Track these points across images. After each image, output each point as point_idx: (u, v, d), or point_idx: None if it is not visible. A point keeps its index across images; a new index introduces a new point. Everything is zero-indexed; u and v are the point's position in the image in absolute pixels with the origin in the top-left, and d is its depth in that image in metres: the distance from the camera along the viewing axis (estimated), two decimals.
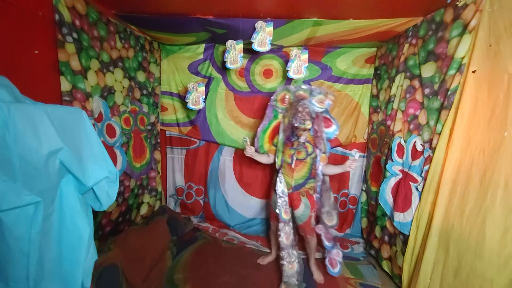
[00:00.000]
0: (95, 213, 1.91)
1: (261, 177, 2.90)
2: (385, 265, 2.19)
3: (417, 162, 1.84)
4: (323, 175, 2.09)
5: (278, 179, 1.99)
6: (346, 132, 2.73)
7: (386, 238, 2.17)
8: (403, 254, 1.88)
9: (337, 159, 2.84)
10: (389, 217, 2.11)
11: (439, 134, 1.64)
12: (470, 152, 1.42)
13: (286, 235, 1.94)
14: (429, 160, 1.72)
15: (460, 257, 1.42)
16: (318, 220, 2.08)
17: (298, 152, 1.96)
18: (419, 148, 1.83)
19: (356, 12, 1.82)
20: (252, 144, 2.14)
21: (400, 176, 2.01)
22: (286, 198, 1.96)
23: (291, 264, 1.92)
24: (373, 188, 2.46)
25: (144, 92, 2.50)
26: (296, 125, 1.90)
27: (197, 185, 3.04)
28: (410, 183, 1.89)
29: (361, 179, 2.81)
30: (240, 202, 2.95)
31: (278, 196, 1.96)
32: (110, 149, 1.99)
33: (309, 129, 1.96)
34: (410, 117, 1.95)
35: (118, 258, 1.76)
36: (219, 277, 2.07)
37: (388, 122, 2.21)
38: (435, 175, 1.65)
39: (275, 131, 2.12)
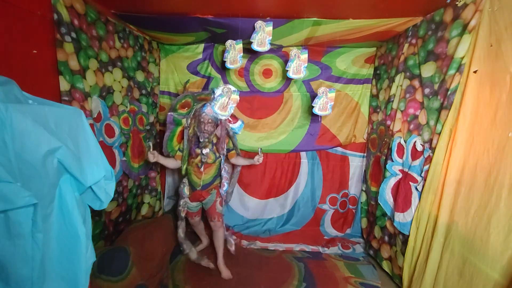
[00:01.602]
0: (99, 213, 1.91)
1: (260, 178, 2.89)
2: (385, 265, 2.19)
3: (417, 162, 1.84)
4: (235, 165, 2.43)
5: (182, 182, 2.16)
6: (345, 132, 2.73)
7: (386, 238, 2.17)
8: (403, 254, 1.88)
9: (337, 159, 2.85)
10: (389, 217, 2.11)
11: (439, 134, 1.64)
12: (474, 153, 1.42)
13: (182, 229, 2.19)
14: (429, 160, 1.71)
15: (464, 257, 1.42)
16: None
17: (208, 157, 2.04)
18: (419, 148, 1.82)
19: (356, 12, 1.82)
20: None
21: (400, 176, 2.01)
22: (187, 199, 2.15)
23: (192, 253, 2.18)
24: (373, 188, 2.46)
25: (143, 92, 2.49)
26: (200, 140, 2.00)
27: None
28: (410, 183, 1.88)
29: (361, 179, 2.80)
30: (239, 203, 2.94)
31: (181, 196, 2.15)
32: (109, 149, 1.98)
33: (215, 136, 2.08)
34: (410, 117, 1.95)
35: (128, 243, 1.83)
36: (219, 277, 2.06)
37: (388, 122, 2.21)
38: (435, 175, 1.65)
39: (181, 136, 2.11)
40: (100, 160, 0.99)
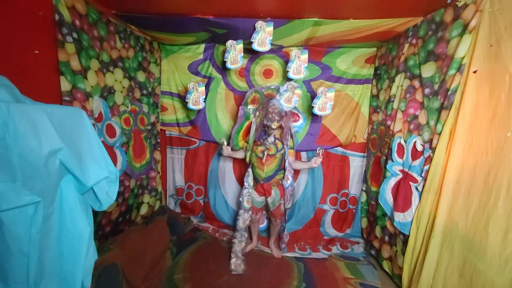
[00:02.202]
0: (95, 213, 1.91)
1: None
2: (385, 265, 2.19)
3: (417, 162, 1.84)
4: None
5: (246, 173, 2.31)
6: (346, 132, 2.73)
7: (386, 238, 2.17)
8: (403, 254, 1.88)
9: (337, 159, 2.85)
10: (389, 217, 2.11)
11: (439, 134, 1.64)
12: (473, 153, 1.42)
13: (243, 220, 2.26)
14: (429, 160, 1.72)
15: (464, 257, 1.43)
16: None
17: (268, 149, 2.17)
18: (419, 148, 1.83)
19: (356, 12, 1.82)
20: (228, 144, 2.33)
21: (400, 176, 2.01)
22: (250, 190, 2.29)
23: (240, 243, 2.27)
24: (373, 188, 2.46)
25: (144, 92, 2.50)
26: (267, 123, 2.15)
27: (197, 185, 3.04)
28: (410, 183, 1.89)
29: (361, 179, 2.81)
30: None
31: (244, 186, 2.29)
32: (110, 149, 1.99)
33: (278, 128, 2.19)
34: (410, 117, 1.95)
35: (118, 257, 1.76)
36: (219, 277, 2.07)
37: (388, 122, 2.21)
38: (435, 175, 1.65)
39: (248, 130, 2.29)
40: (103, 161, 0.99)
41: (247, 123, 2.29)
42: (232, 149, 2.31)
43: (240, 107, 2.33)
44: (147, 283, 1.89)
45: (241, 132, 2.31)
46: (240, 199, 2.28)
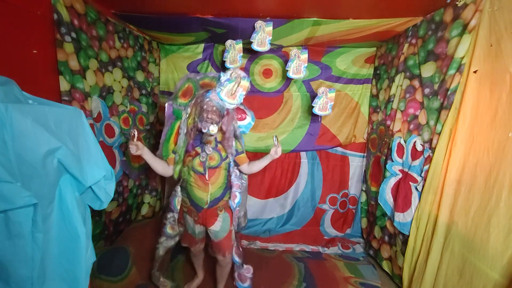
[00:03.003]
0: (99, 213, 1.91)
1: (260, 178, 2.89)
2: (385, 265, 2.19)
3: (417, 162, 1.84)
4: (246, 174, 1.82)
5: (173, 193, 1.72)
6: (345, 132, 2.73)
7: (386, 238, 2.17)
8: (403, 254, 1.88)
9: (337, 159, 2.85)
10: (389, 217, 2.11)
11: (439, 134, 1.64)
12: (474, 153, 1.42)
13: (164, 248, 1.74)
14: (429, 160, 1.71)
15: (465, 257, 1.42)
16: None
17: (210, 158, 1.59)
18: (419, 148, 1.82)
19: (356, 12, 1.82)
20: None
21: (400, 176, 2.01)
22: (175, 215, 1.72)
23: (164, 284, 1.81)
24: (373, 188, 2.46)
25: (143, 92, 2.49)
26: (203, 131, 1.55)
27: None
28: (410, 183, 1.88)
29: (361, 179, 2.80)
30: None
31: (169, 209, 1.73)
32: (109, 149, 1.98)
33: (216, 133, 1.60)
34: (410, 117, 1.95)
35: (128, 243, 1.77)
36: None
37: (388, 122, 2.21)
38: (435, 175, 1.65)
39: (178, 133, 1.68)
40: (100, 160, 0.99)
41: (177, 124, 1.67)
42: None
43: (167, 104, 1.68)
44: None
45: (171, 138, 1.67)
46: (165, 222, 1.73)
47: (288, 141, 2.74)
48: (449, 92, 1.59)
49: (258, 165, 1.72)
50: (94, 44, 1.82)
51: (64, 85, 1.58)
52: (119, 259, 1.70)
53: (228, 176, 1.70)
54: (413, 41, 1.94)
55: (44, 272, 0.82)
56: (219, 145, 1.64)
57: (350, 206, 2.89)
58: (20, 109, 0.74)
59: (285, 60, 2.54)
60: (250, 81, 1.66)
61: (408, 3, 1.68)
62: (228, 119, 1.63)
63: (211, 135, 1.57)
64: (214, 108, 1.56)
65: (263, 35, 2.02)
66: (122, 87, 2.16)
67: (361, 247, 2.61)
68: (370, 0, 1.64)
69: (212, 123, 1.53)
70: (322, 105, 2.23)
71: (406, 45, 2.01)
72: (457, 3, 1.57)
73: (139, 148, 1.45)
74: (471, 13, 1.48)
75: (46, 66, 1.51)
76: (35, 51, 1.43)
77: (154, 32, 2.35)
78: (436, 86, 1.72)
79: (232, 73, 1.59)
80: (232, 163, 1.69)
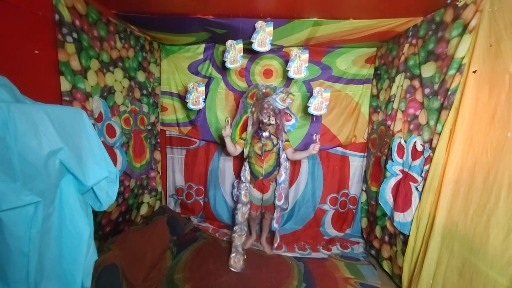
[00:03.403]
0: (95, 213, 1.91)
1: None
2: (385, 265, 2.19)
3: (417, 162, 1.84)
4: (291, 160, 2.38)
5: (243, 167, 2.35)
6: (346, 132, 2.73)
7: (386, 238, 2.17)
8: (403, 254, 1.88)
9: (338, 159, 2.85)
10: (389, 217, 2.11)
11: (439, 134, 1.64)
12: (473, 153, 1.42)
13: (242, 214, 2.30)
14: (429, 160, 1.72)
15: (464, 257, 1.42)
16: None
17: (265, 144, 2.25)
18: (419, 148, 1.83)
19: (356, 12, 1.82)
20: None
21: (400, 176, 2.01)
22: (247, 184, 2.33)
23: (240, 237, 2.31)
24: (373, 188, 2.46)
25: (144, 92, 2.50)
26: (262, 119, 2.21)
27: (197, 185, 3.04)
28: (410, 183, 1.89)
29: (361, 179, 2.81)
30: None
31: (241, 181, 2.35)
32: (110, 149, 1.99)
33: (273, 124, 2.26)
34: (410, 117, 1.95)
35: (117, 257, 1.76)
36: (219, 277, 2.07)
37: (388, 122, 2.21)
38: (435, 175, 1.65)
39: (245, 126, 2.32)
40: (103, 160, 0.99)
41: (245, 117, 2.32)
42: None
43: (240, 100, 2.37)
44: (147, 283, 1.89)
45: (239, 125, 2.33)
46: (238, 193, 2.33)
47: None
48: (449, 92, 1.59)
49: (300, 155, 2.25)
50: (95, 45, 1.83)
51: (65, 85, 1.59)
52: (111, 277, 1.65)
53: (278, 158, 2.32)
54: (414, 41, 1.95)
55: (42, 272, 0.82)
56: (272, 136, 2.28)
57: (350, 206, 2.89)
58: (22, 110, 0.75)
59: (286, 60, 2.55)
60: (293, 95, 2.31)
61: (408, 4, 1.69)
62: (280, 116, 2.28)
63: (269, 124, 2.23)
64: (271, 107, 2.21)
65: (263, 35, 2.03)
66: (123, 87, 2.17)
67: (361, 247, 2.61)
68: (371, 0, 1.65)
69: (269, 116, 2.20)
70: (317, 105, 2.23)
71: (407, 45, 2.01)
72: (457, 3, 1.58)
73: (229, 133, 2.15)
74: (471, 13, 1.48)
75: (48, 67, 1.52)
76: (36, 52, 1.44)
77: (155, 32, 2.36)
78: (436, 86, 1.72)
79: (284, 89, 2.27)
80: (281, 148, 2.29)
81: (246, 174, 2.33)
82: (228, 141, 2.19)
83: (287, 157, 2.32)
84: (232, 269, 2.17)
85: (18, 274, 0.77)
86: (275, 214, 2.38)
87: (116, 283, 1.66)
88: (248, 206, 2.34)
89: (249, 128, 2.26)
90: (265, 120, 2.20)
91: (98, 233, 1.97)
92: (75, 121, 0.93)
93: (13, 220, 0.73)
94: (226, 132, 2.13)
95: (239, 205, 2.32)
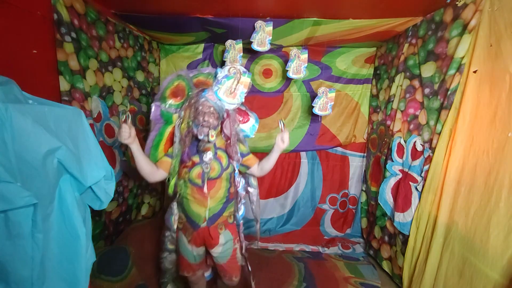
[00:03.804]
0: (99, 213, 1.90)
1: (260, 178, 2.88)
2: (385, 265, 2.19)
3: (417, 162, 1.84)
4: (255, 178, 1.63)
5: (169, 210, 1.49)
6: (345, 132, 2.73)
7: (386, 238, 2.17)
8: (403, 254, 1.88)
9: (337, 159, 2.84)
10: (389, 217, 2.11)
11: (439, 134, 1.64)
12: (474, 153, 1.42)
13: (170, 261, 1.60)
14: (429, 160, 1.71)
15: (464, 257, 1.42)
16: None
17: (211, 169, 1.40)
18: (419, 148, 1.82)
19: (356, 12, 1.82)
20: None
21: (400, 176, 2.01)
22: (173, 233, 1.52)
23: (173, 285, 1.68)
24: (373, 188, 2.46)
25: (143, 92, 2.49)
26: (199, 137, 1.36)
27: None
28: (410, 183, 1.88)
29: (361, 179, 2.80)
30: None
31: (166, 227, 1.52)
32: (109, 149, 1.98)
33: (220, 137, 1.48)
34: (410, 117, 1.95)
35: (128, 243, 1.77)
36: (218, 277, 2.06)
37: (388, 122, 2.21)
38: (435, 175, 1.65)
39: (172, 139, 1.48)
40: (100, 160, 0.99)
41: (169, 129, 1.49)
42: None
43: (153, 105, 1.48)
44: (155, 278, 1.88)
45: (161, 144, 1.49)
46: (163, 239, 1.55)
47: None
48: (449, 92, 1.59)
49: (268, 162, 1.48)
50: (94, 44, 1.82)
51: (64, 85, 1.58)
52: (119, 259, 1.70)
53: (230, 187, 1.49)
54: (413, 41, 1.94)
55: (44, 272, 0.82)
56: (219, 152, 1.44)
57: (350, 206, 2.89)
58: (20, 109, 0.74)
59: (285, 60, 2.54)
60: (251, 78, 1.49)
61: (408, 3, 1.68)
62: (229, 121, 1.43)
63: (209, 142, 1.37)
64: (212, 109, 1.38)
65: (263, 35, 2.02)
66: (122, 87, 2.16)
67: (361, 247, 2.61)
68: (370, 0, 1.64)
69: (209, 128, 1.34)
70: (322, 105, 2.23)
71: (406, 45, 2.01)
72: (457, 3, 1.57)
73: (131, 135, 1.21)
74: (471, 13, 1.48)
75: (46, 66, 1.51)
76: (35, 51, 1.43)
77: (154, 32, 2.35)
78: (436, 86, 1.72)
79: (230, 68, 1.41)
80: (236, 171, 1.50)
81: (172, 221, 1.47)
82: (135, 154, 1.28)
83: (250, 179, 1.61)
84: None
85: (21, 275, 0.76)
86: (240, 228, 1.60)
87: (125, 263, 1.65)
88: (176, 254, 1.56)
89: (176, 147, 1.40)
90: (201, 137, 1.35)
91: (104, 233, 1.97)
92: (73, 120, 0.92)
93: (14, 221, 0.73)
94: (125, 135, 1.20)
95: (165, 254, 1.57)
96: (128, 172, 2.27)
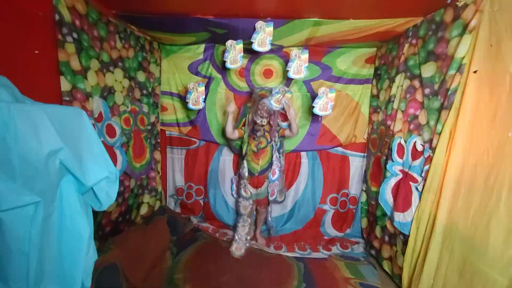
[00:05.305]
0: (95, 213, 1.90)
1: None
2: (386, 265, 2.19)
3: (417, 162, 1.84)
4: (285, 153, 2.65)
5: (242, 165, 2.46)
6: (346, 132, 2.73)
7: (386, 238, 2.17)
8: (403, 254, 1.88)
9: (338, 159, 2.85)
10: (389, 217, 2.11)
11: (439, 134, 1.64)
12: (474, 153, 1.42)
13: (244, 206, 2.46)
14: (429, 160, 1.72)
15: (464, 257, 1.42)
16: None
17: (260, 142, 2.39)
18: (419, 148, 1.82)
19: (356, 12, 1.82)
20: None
21: (400, 176, 2.01)
22: (246, 181, 2.44)
23: (243, 227, 2.47)
24: (373, 188, 2.46)
25: (144, 92, 2.50)
26: (257, 121, 2.33)
27: (197, 185, 3.04)
28: (410, 183, 1.89)
29: (361, 179, 2.80)
30: None
31: (240, 178, 2.48)
32: (110, 149, 1.99)
33: (267, 124, 2.38)
34: (410, 117, 1.95)
35: (117, 257, 1.75)
36: (219, 277, 2.07)
37: (388, 122, 2.21)
38: (435, 175, 1.65)
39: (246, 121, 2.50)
40: (103, 160, 0.99)
41: (245, 118, 2.50)
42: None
43: (242, 106, 2.61)
44: (147, 283, 1.89)
45: (242, 122, 2.53)
46: (237, 188, 2.50)
47: (288, 141, 2.75)
48: (449, 92, 1.59)
49: (290, 121, 2.35)
50: (95, 45, 1.82)
51: (65, 85, 1.59)
52: (111, 277, 1.65)
53: (273, 155, 2.44)
54: (414, 41, 1.95)
55: (43, 272, 0.82)
56: (266, 133, 2.40)
57: (350, 206, 2.89)
58: (22, 110, 0.75)
59: (286, 60, 2.54)
60: (291, 93, 2.43)
61: (408, 3, 1.69)
62: (274, 117, 2.38)
63: (262, 125, 2.34)
64: (266, 108, 2.31)
65: (263, 36, 2.03)
66: (123, 87, 2.17)
67: (361, 247, 2.61)
68: (371, 0, 1.65)
69: (262, 117, 2.31)
70: (323, 105, 2.23)
71: (407, 45, 2.01)
72: (457, 3, 1.57)
73: (232, 108, 2.31)
74: (472, 13, 1.48)
75: (48, 67, 1.52)
76: (36, 52, 1.44)
77: (155, 32, 2.36)
78: (436, 86, 1.72)
79: (280, 88, 2.26)
80: (275, 147, 2.43)
81: (245, 171, 2.44)
82: (230, 119, 2.31)
83: (279, 156, 2.49)
84: (233, 255, 2.33)
85: (18, 274, 0.77)
86: (269, 208, 2.55)
87: (116, 283, 1.66)
88: (250, 200, 2.46)
89: (246, 126, 2.41)
90: (258, 121, 2.32)
91: (98, 233, 1.97)
92: (75, 121, 0.93)
93: (13, 220, 0.73)
94: (231, 108, 2.28)
95: (240, 199, 2.47)
96: (129, 172, 2.28)
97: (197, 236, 2.65)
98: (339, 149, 2.82)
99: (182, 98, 2.75)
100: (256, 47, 2.07)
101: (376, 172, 2.43)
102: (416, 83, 1.90)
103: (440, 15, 1.70)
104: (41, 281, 0.82)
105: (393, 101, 2.16)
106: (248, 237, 2.50)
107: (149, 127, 2.61)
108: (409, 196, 1.88)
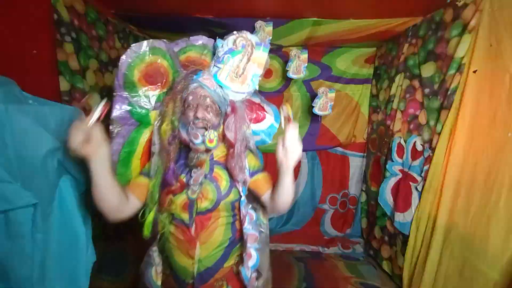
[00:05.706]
0: (99, 214, 1.90)
1: None
2: (385, 265, 2.19)
3: (417, 162, 1.84)
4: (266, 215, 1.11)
5: (146, 259, 1.05)
6: (345, 132, 2.73)
7: (386, 238, 2.17)
8: (403, 254, 1.88)
9: (337, 159, 2.84)
10: (389, 217, 2.11)
11: (439, 134, 1.64)
12: (474, 153, 1.42)
13: None
14: (429, 160, 1.71)
15: (464, 257, 1.42)
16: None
17: (200, 196, 0.93)
18: (419, 148, 1.82)
19: (356, 12, 1.82)
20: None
21: (400, 176, 2.01)
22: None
23: None
24: (373, 188, 2.46)
25: None
26: (193, 142, 0.89)
27: None
28: (410, 183, 1.88)
29: (361, 179, 2.80)
30: None
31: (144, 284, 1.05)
32: None
33: (220, 141, 0.98)
34: (410, 117, 1.95)
35: (127, 242, 1.76)
36: None
37: (388, 122, 2.21)
38: (435, 175, 1.65)
39: (149, 150, 1.01)
40: None
41: (144, 134, 1.04)
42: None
43: (117, 95, 1.01)
44: None
45: (132, 158, 1.04)
46: None
47: None
48: (449, 92, 1.59)
49: (281, 190, 0.94)
50: (94, 44, 1.82)
51: (64, 85, 1.58)
52: (119, 258, 1.69)
53: (234, 223, 1.00)
54: (413, 41, 1.94)
55: (44, 272, 0.82)
56: (217, 169, 0.96)
57: (350, 206, 2.89)
58: (20, 110, 0.74)
59: (285, 60, 2.54)
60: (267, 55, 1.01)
61: (408, 3, 1.68)
62: (235, 119, 0.95)
63: (208, 150, 0.92)
64: (208, 101, 0.91)
65: (263, 35, 2.02)
66: None
67: (361, 247, 2.61)
68: (370, 0, 1.64)
69: (206, 128, 0.89)
70: (322, 105, 2.23)
71: (406, 45, 2.01)
72: (457, 3, 1.57)
73: (95, 139, 0.74)
74: (471, 13, 1.48)
75: (46, 66, 1.51)
76: (35, 51, 1.43)
77: (154, 32, 2.35)
78: (436, 86, 1.72)
79: (237, 39, 0.97)
80: (243, 199, 0.97)
81: (152, 276, 1.02)
82: (100, 178, 0.80)
83: (256, 217, 1.03)
84: None
85: (21, 274, 0.76)
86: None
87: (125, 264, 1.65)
88: None
89: (155, 161, 0.95)
90: (197, 141, 0.89)
91: (104, 233, 1.97)
92: (74, 120, 0.92)
93: (14, 221, 0.73)
94: (76, 139, 0.73)
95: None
96: None
97: None
98: (339, 149, 2.82)
99: None
100: None
101: (375, 172, 2.43)
102: (416, 83, 1.90)
103: (440, 15, 1.70)
104: (44, 282, 0.82)
105: (392, 101, 2.16)
106: None
107: None
108: (409, 196, 1.88)
